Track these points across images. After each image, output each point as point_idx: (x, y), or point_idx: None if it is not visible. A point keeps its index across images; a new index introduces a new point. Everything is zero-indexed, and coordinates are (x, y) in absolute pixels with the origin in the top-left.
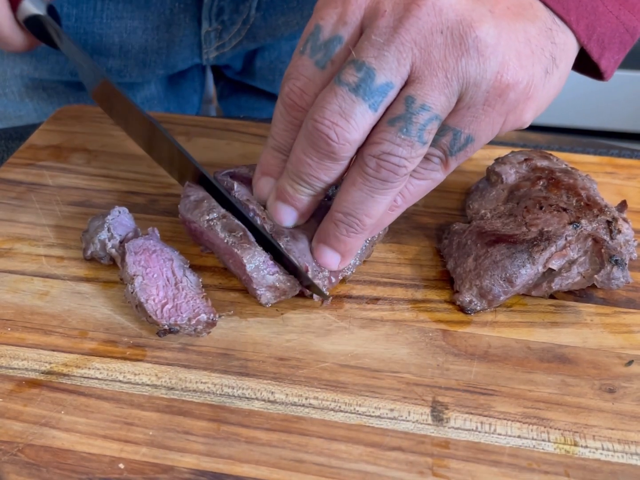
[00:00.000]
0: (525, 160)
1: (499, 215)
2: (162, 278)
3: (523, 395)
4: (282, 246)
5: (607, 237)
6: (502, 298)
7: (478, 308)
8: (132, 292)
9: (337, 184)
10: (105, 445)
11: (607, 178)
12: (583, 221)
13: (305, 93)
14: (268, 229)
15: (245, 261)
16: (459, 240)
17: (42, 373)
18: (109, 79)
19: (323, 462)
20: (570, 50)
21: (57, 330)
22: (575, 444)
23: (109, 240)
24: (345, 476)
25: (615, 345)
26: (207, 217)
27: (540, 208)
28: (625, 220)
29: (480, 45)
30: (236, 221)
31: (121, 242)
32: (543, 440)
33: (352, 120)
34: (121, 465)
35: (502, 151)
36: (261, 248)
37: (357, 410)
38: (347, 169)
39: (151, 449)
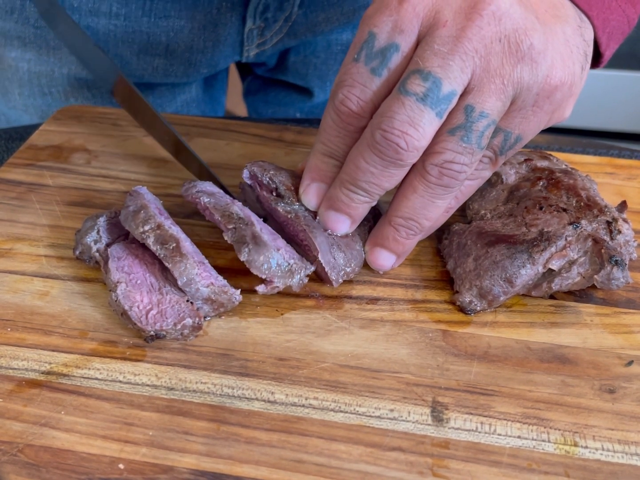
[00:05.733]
0: (525, 160)
1: (499, 215)
2: (145, 284)
3: (523, 395)
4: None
5: (607, 238)
6: (502, 298)
7: (478, 308)
8: (115, 300)
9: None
10: (105, 446)
11: (607, 178)
12: (583, 221)
13: (361, 100)
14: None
15: (176, 275)
16: (459, 241)
17: (42, 373)
18: (123, 75)
19: (323, 462)
20: (592, 44)
21: (57, 330)
22: (575, 445)
23: (95, 244)
24: (345, 476)
25: (615, 346)
26: (142, 229)
27: (540, 208)
28: (625, 220)
29: (533, 52)
30: (170, 232)
31: (108, 245)
32: (543, 441)
33: (420, 129)
34: (121, 466)
35: None
36: (193, 260)
37: (357, 411)
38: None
39: (151, 449)
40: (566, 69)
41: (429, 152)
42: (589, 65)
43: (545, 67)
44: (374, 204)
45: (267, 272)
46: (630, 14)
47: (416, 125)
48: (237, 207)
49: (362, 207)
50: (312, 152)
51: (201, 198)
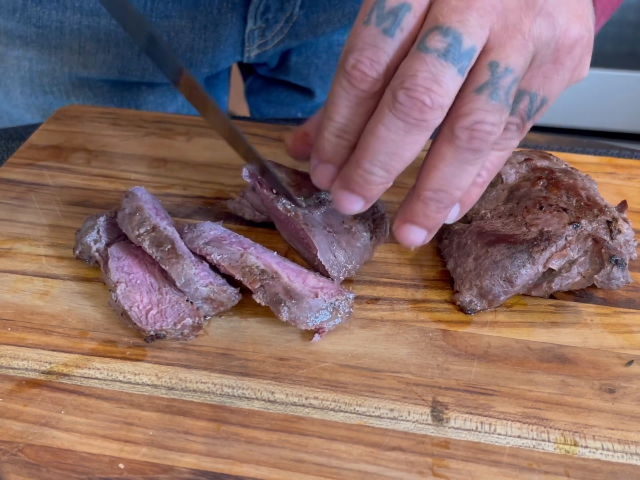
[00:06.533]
0: (525, 160)
1: (499, 215)
2: (145, 284)
3: (523, 395)
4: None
5: (607, 237)
6: (502, 298)
7: (478, 308)
8: (115, 300)
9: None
10: (105, 445)
11: (607, 178)
12: (583, 221)
13: (375, 62)
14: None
15: (174, 277)
16: (459, 240)
17: (42, 373)
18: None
19: (323, 462)
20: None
21: (57, 330)
22: (575, 444)
23: (95, 244)
24: (345, 476)
25: (615, 345)
26: (137, 232)
27: (540, 208)
28: (625, 220)
29: (549, 6)
30: (165, 233)
31: (108, 244)
32: (543, 440)
33: (444, 84)
34: (121, 465)
35: None
36: (190, 260)
37: (357, 410)
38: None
39: (151, 449)
40: (583, 24)
41: (455, 115)
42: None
43: (563, 22)
44: (389, 185)
45: (314, 324)
46: None
47: (440, 81)
48: (253, 256)
49: (377, 188)
50: (319, 132)
51: (213, 254)
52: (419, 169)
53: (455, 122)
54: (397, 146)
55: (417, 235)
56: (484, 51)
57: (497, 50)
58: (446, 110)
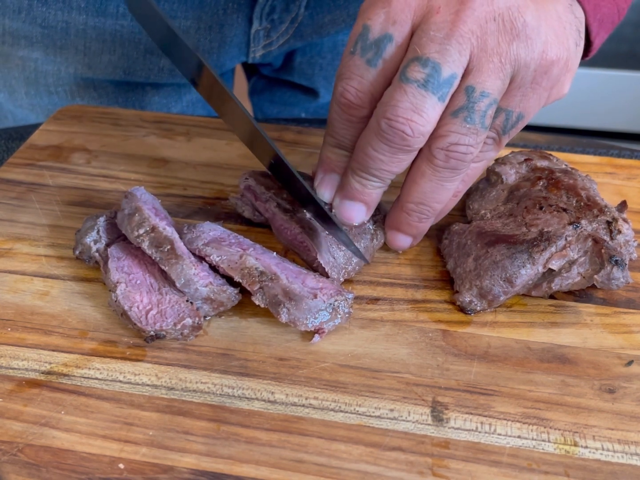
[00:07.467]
0: (525, 160)
1: (499, 215)
2: (145, 284)
3: (523, 395)
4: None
5: (607, 238)
6: (502, 298)
7: (478, 308)
8: (115, 300)
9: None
10: (105, 445)
11: (607, 178)
12: (583, 221)
13: (360, 91)
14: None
15: (174, 277)
16: (459, 241)
17: (42, 373)
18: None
19: (323, 462)
20: (584, 22)
21: (57, 330)
22: (575, 444)
23: (95, 244)
24: (345, 476)
25: (615, 346)
26: (136, 233)
27: (540, 208)
28: (625, 220)
29: (527, 29)
30: (164, 234)
31: (108, 244)
32: (543, 441)
33: (424, 114)
34: (121, 466)
35: (502, 151)
36: (190, 260)
37: (357, 411)
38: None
39: (151, 449)
40: (561, 44)
41: (434, 136)
42: (582, 42)
43: (540, 43)
44: (386, 188)
45: (313, 325)
46: (621, 3)
47: (420, 111)
48: (252, 257)
49: (375, 192)
50: (322, 146)
51: (212, 256)
52: (403, 181)
53: (433, 143)
54: (385, 164)
55: (403, 241)
56: (465, 74)
57: (475, 74)
58: (428, 135)
